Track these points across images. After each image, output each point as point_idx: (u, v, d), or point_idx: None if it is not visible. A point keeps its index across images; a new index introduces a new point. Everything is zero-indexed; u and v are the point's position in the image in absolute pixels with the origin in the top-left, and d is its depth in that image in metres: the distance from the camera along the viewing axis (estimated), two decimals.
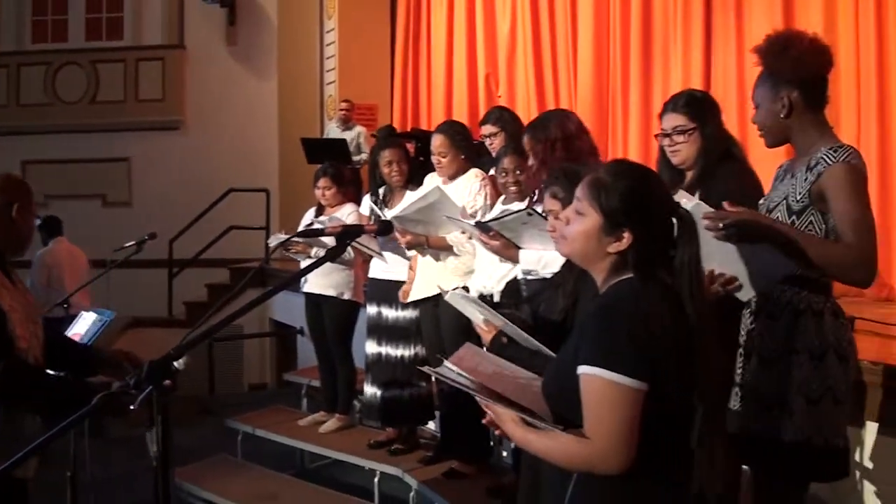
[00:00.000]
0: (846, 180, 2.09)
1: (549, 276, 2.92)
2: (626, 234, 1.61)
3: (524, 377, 1.79)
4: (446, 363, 1.78)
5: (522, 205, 3.29)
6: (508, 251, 3.07)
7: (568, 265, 2.35)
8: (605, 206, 1.62)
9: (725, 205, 2.08)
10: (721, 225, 2.03)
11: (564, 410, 1.59)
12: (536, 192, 3.16)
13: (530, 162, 3.09)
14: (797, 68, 2.18)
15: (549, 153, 3.00)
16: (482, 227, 3.09)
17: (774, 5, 5.54)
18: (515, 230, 3.00)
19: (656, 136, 2.78)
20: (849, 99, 4.95)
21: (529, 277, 3.09)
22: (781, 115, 2.21)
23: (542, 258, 2.99)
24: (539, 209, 2.87)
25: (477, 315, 2.32)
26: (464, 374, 1.74)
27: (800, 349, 2.16)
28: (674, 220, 1.63)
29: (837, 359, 2.16)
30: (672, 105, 2.73)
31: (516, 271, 3.25)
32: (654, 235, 1.62)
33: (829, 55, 2.24)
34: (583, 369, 1.53)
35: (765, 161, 2.89)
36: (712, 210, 2.06)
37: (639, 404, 1.50)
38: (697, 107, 2.69)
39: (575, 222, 1.67)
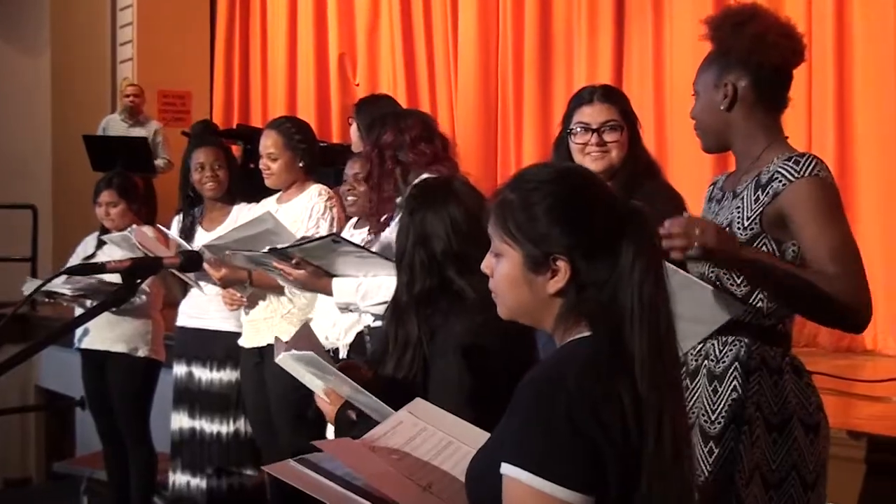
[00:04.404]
0: (817, 199, 2.12)
1: (372, 309, 3.01)
2: (559, 262, 1.52)
3: (452, 455, 1.73)
4: (321, 449, 1.70)
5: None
6: (319, 282, 3.13)
7: (392, 307, 2.40)
8: (515, 233, 1.55)
9: (687, 217, 2.07)
10: (695, 245, 2.00)
11: None
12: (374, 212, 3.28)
13: (353, 171, 3.26)
14: (753, 48, 2.21)
15: (378, 162, 3.16)
16: (280, 254, 3.12)
17: None
18: (325, 258, 3.05)
19: (570, 132, 2.84)
20: (798, 100, 5.24)
21: (373, 325, 3.14)
22: (721, 107, 2.25)
23: (360, 286, 3.05)
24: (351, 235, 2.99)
25: (316, 383, 2.28)
26: (345, 469, 1.65)
27: (753, 419, 2.17)
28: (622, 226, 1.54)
29: (804, 429, 2.18)
30: (603, 94, 2.84)
31: (369, 318, 3.27)
32: (598, 253, 1.52)
33: (800, 44, 2.29)
34: (506, 469, 1.44)
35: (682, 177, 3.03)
36: (673, 223, 2.02)
37: None
38: (626, 102, 2.84)
39: (496, 270, 1.61)
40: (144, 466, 4.78)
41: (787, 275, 2.11)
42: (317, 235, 3.03)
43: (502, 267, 1.59)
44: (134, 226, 4.45)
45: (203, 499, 4.26)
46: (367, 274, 2.99)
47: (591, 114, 2.81)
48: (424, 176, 2.99)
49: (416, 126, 3.23)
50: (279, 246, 3.11)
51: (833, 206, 2.15)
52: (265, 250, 3.18)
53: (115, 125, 8.80)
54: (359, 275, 3.06)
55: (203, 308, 4.24)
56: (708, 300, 2.15)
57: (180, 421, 4.33)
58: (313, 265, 3.09)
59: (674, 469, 1.48)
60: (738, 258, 2.11)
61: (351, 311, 3.13)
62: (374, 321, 3.16)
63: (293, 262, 3.11)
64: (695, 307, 2.13)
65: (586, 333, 1.55)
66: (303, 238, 3.00)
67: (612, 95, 2.86)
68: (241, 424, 4.25)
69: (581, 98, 2.90)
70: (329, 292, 3.13)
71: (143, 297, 4.53)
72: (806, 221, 2.13)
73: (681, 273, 2.14)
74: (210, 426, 4.27)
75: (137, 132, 8.55)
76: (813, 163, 2.15)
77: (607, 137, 2.77)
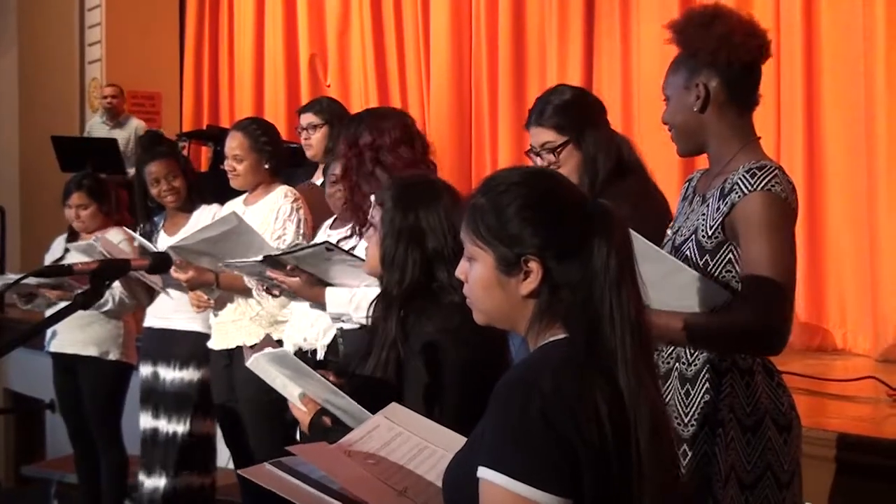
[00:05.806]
0: (761, 215, 2.12)
1: (364, 321, 2.94)
2: (531, 263, 1.54)
3: (428, 457, 1.73)
4: (296, 454, 1.71)
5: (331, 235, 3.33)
6: (312, 290, 3.10)
7: (378, 307, 2.37)
8: (486, 235, 1.57)
9: None
10: None
11: None
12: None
13: (336, 171, 3.20)
14: (720, 48, 2.23)
15: (357, 163, 3.11)
16: (273, 262, 3.09)
17: None
18: (318, 265, 3.03)
19: (527, 153, 2.86)
20: (766, 100, 5.28)
21: (346, 327, 3.12)
22: (694, 109, 2.26)
23: (354, 297, 3.02)
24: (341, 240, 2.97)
25: (289, 388, 2.25)
26: (319, 472, 1.66)
27: (726, 420, 2.18)
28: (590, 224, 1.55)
29: (777, 429, 2.19)
30: (536, 116, 2.84)
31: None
32: (569, 253, 1.53)
33: (765, 40, 2.30)
34: (483, 473, 1.45)
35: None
36: None
37: None
38: (568, 114, 2.81)
39: (470, 275, 1.62)
40: (116, 470, 4.75)
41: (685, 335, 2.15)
42: (310, 243, 2.99)
43: (475, 271, 1.61)
44: (98, 234, 4.43)
45: (165, 499, 4.29)
46: (361, 283, 2.95)
47: (532, 136, 2.85)
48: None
49: (396, 128, 3.19)
50: (273, 253, 3.07)
51: (775, 223, 2.13)
52: (259, 259, 3.15)
53: (97, 128, 8.79)
54: (353, 283, 3.02)
55: (168, 309, 4.25)
56: (693, 287, 2.16)
57: (147, 421, 4.36)
58: (307, 272, 3.06)
59: (655, 457, 1.49)
60: None
61: (343, 321, 3.07)
62: (332, 320, 3.15)
63: (288, 268, 3.08)
64: (679, 294, 2.15)
65: (561, 335, 1.56)
66: (295, 245, 2.96)
67: (547, 113, 2.84)
68: (197, 425, 4.28)
69: (528, 117, 2.93)
70: (322, 302, 3.10)
71: (112, 300, 4.50)
72: (746, 238, 2.14)
73: (668, 259, 2.17)
74: (167, 426, 4.31)
75: (119, 134, 8.51)
76: (769, 176, 2.14)
77: (548, 158, 2.80)
